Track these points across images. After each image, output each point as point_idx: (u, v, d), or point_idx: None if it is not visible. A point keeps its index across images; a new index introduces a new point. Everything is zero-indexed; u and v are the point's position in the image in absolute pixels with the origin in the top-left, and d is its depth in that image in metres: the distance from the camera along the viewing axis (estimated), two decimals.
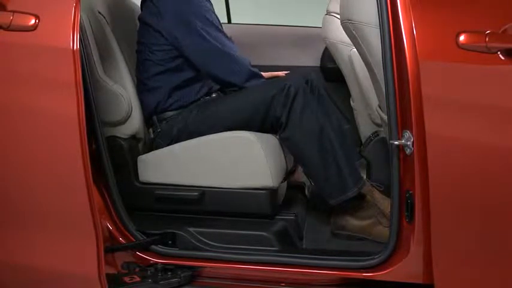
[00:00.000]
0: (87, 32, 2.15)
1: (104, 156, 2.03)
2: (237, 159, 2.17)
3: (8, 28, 1.76)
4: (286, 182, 2.41)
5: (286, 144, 2.22)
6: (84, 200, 1.80)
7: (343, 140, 2.21)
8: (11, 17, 1.76)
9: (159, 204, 2.21)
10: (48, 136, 1.79)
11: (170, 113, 2.32)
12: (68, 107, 1.75)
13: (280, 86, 2.18)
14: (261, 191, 2.16)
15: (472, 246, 1.74)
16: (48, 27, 1.75)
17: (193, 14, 2.27)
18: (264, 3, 3.66)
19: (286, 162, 2.31)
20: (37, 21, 1.75)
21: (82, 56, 1.83)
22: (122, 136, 2.24)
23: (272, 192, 2.18)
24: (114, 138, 2.23)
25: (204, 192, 2.18)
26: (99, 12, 2.23)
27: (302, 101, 2.15)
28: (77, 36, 1.73)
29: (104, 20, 2.24)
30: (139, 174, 2.25)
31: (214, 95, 2.39)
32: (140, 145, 2.30)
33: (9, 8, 1.77)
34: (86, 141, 1.78)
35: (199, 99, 2.34)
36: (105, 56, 2.20)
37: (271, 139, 2.23)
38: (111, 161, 2.17)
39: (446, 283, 1.77)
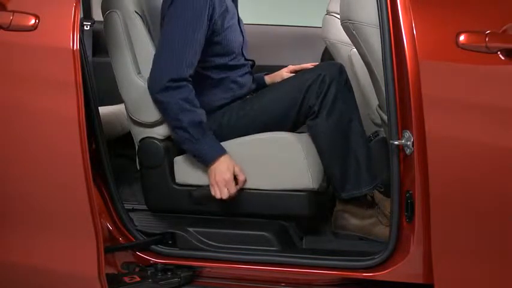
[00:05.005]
0: (121, 32, 2.16)
1: (104, 156, 2.03)
2: (276, 161, 2.14)
3: (8, 28, 1.76)
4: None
5: (311, 131, 2.18)
6: (84, 200, 1.80)
7: (366, 138, 2.21)
8: (11, 17, 1.76)
9: (196, 206, 2.20)
10: (48, 136, 1.79)
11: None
12: (68, 107, 1.75)
13: (315, 74, 2.15)
14: (301, 193, 2.14)
15: (472, 246, 1.74)
16: (48, 27, 1.75)
17: None
18: (264, 3, 3.66)
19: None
20: (37, 21, 1.75)
21: (82, 56, 1.83)
22: (158, 137, 2.22)
23: (312, 193, 2.15)
24: (150, 139, 2.21)
25: (243, 195, 2.16)
26: (136, 12, 2.22)
27: (336, 90, 2.12)
28: (77, 36, 1.73)
29: (141, 20, 2.22)
30: (176, 175, 2.23)
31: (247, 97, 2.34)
32: (175, 146, 2.27)
33: (9, 8, 1.77)
34: (86, 141, 1.78)
35: (229, 103, 2.29)
36: (141, 56, 2.19)
37: (310, 139, 2.21)
38: (147, 162, 2.19)
39: (446, 283, 1.77)
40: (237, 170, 2.12)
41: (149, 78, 2.12)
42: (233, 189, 2.11)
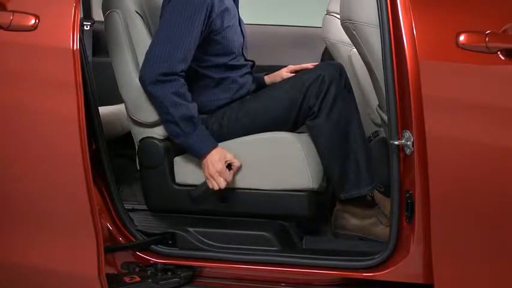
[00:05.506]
0: (121, 32, 2.16)
1: (104, 156, 2.03)
2: (276, 161, 2.15)
3: (8, 28, 1.76)
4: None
5: (311, 132, 2.19)
6: (84, 200, 1.80)
7: (366, 139, 2.22)
8: (11, 17, 1.76)
9: (196, 205, 2.19)
10: (48, 136, 1.79)
11: (203, 116, 2.25)
12: (68, 107, 1.75)
13: (315, 74, 2.16)
14: (301, 193, 2.15)
15: (472, 246, 1.74)
16: (48, 27, 1.75)
17: None
18: (264, 3, 3.66)
19: None
20: (37, 21, 1.75)
21: (82, 56, 1.83)
22: (158, 137, 2.22)
23: (312, 193, 2.16)
24: (150, 139, 2.21)
25: (243, 194, 2.17)
26: (137, 12, 2.22)
27: (335, 90, 2.13)
28: (77, 36, 1.73)
29: (142, 21, 2.23)
30: (176, 175, 2.23)
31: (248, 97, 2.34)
32: (175, 146, 2.27)
33: (9, 8, 1.77)
34: (86, 141, 1.78)
35: (229, 103, 2.30)
36: (142, 56, 2.17)
37: (310, 139, 2.20)
38: (147, 162, 2.20)
39: (446, 283, 1.77)
40: (229, 157, 2.12)
41: (141, 70, 2.12)
42: (229, 177, 2.12)
